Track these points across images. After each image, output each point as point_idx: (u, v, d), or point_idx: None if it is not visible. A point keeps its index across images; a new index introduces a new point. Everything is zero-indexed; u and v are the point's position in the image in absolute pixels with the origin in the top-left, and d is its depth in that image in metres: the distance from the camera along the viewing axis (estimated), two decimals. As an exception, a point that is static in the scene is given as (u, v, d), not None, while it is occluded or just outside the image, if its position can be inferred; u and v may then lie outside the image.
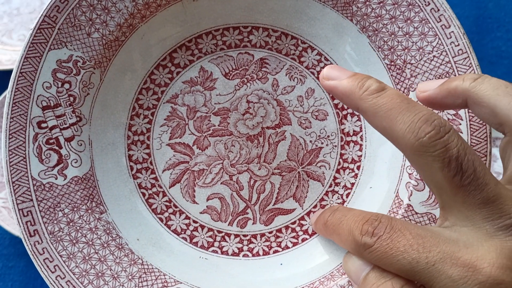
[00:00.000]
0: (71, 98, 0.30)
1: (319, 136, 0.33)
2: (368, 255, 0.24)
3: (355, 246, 0.24)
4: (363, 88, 0.25)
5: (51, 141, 0.29)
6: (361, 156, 0.33)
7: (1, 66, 0.47)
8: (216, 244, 0.33)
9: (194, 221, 0.33)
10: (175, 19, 0.32)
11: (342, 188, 0.33)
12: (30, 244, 0.28)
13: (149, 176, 0.33)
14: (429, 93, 0.27)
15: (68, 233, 0.29)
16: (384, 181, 0.32)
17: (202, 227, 0.33)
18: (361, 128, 0.33)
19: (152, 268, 0.30)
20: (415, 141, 0.22)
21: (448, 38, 0.30)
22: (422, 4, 0.30)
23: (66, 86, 0.30)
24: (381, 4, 0.30)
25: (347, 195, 0.33)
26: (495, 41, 0.53)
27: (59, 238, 0.29)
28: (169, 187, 0.33)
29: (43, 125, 0.29)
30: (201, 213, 0.33)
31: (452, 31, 0.29)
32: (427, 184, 0.25)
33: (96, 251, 0.29)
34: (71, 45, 0.29)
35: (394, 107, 0.23)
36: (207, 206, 0.33)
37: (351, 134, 0.33)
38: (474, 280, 0.21)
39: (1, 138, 0.34)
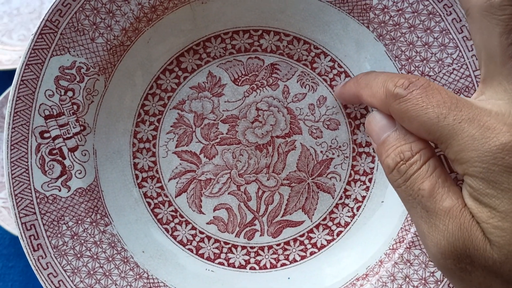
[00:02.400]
0: (75, 107, 0.29)
1: (330, 146, 0.32)
2: (397, 106, 0.24)
3: (385, 97, 0.24)
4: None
5: (54, 151, 0.28)
6: (373, 168, 0.32)
7: (1, 66, 0.47)
8: (223, 256, 0.32)
9: (201, 232, 0.32)
10: (182, 22, 0.31)
11: (353, 201, 0.32)
12: (34, 259, 0.27)
13: (155, 185, 0.32)
14: None
15: (72, 247, 0.28)
16: (397, 196, 0.31)
17: (209, 238, 0.32)
18: (373, 139, 0.32)
19: (158, 282, 0.29)
20: (486, 1, 0.23)
21: (469, 51, 0.28)
22: (443, 13, 0.28)
23: (70, 94, 0.28)
24: (400, 12, 0.29)
25: (358, 208, 0.32)
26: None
27: (63, 252, 0.28)
28: (175, 197, 0.32)
29: (46, 135, 0.28)
30: (207, 223, 0.32)
31: (474, 43, 0.28)
32: (478, 51, 0.25)
33: (101, 265, 0.28)
34: (74, 51, 0.28)
35: None
36: (213, 217, 0.32)
37: (364, 145, 0.32)
38: (496, 141, 0.22)
39: (2, 146, 0.33)
